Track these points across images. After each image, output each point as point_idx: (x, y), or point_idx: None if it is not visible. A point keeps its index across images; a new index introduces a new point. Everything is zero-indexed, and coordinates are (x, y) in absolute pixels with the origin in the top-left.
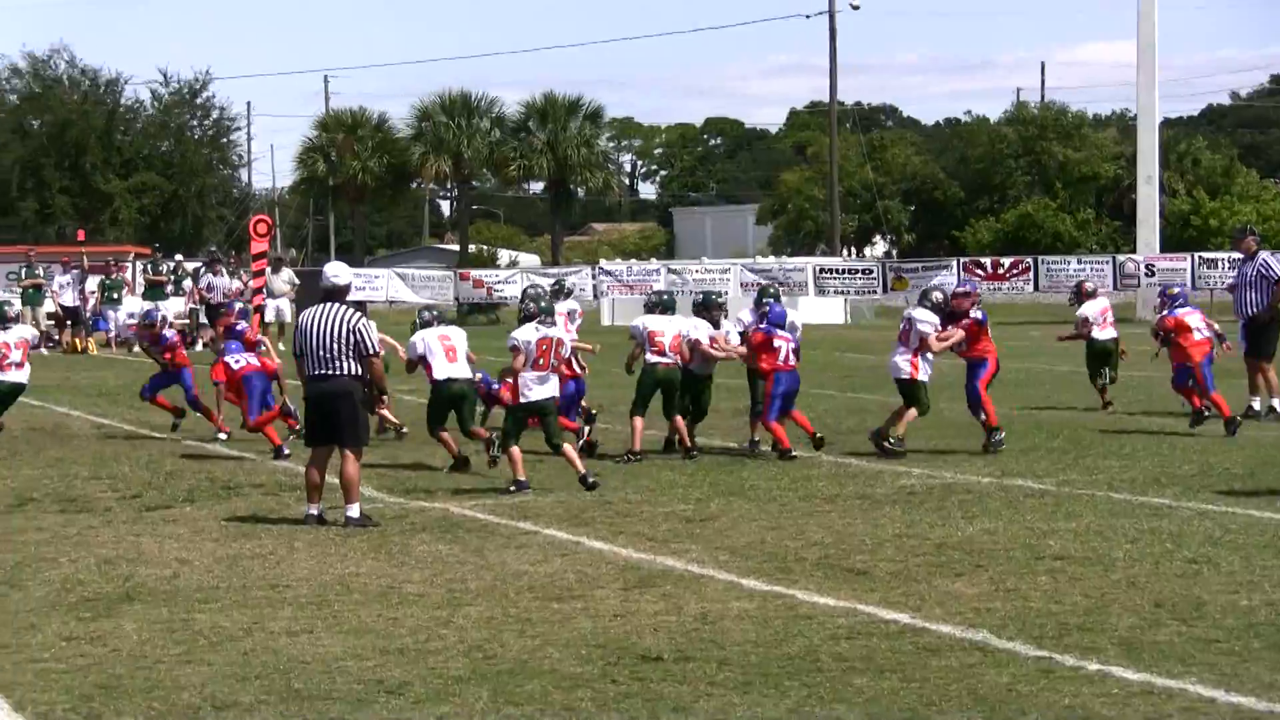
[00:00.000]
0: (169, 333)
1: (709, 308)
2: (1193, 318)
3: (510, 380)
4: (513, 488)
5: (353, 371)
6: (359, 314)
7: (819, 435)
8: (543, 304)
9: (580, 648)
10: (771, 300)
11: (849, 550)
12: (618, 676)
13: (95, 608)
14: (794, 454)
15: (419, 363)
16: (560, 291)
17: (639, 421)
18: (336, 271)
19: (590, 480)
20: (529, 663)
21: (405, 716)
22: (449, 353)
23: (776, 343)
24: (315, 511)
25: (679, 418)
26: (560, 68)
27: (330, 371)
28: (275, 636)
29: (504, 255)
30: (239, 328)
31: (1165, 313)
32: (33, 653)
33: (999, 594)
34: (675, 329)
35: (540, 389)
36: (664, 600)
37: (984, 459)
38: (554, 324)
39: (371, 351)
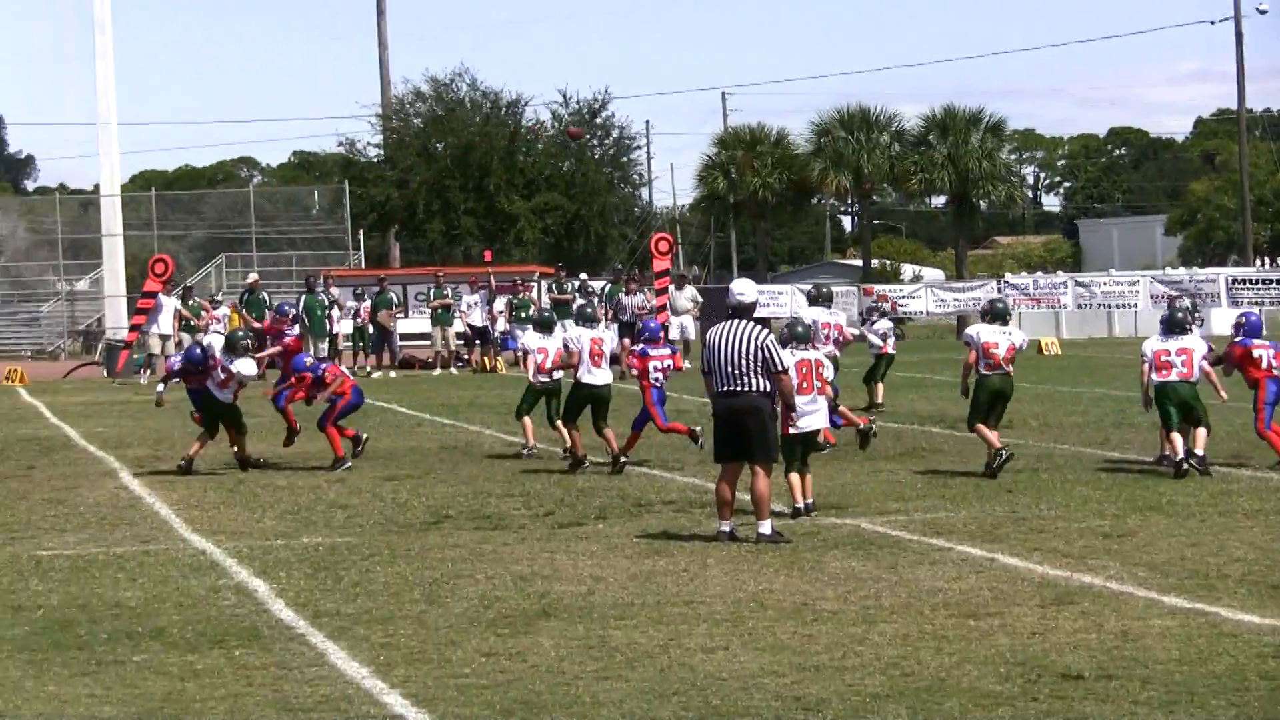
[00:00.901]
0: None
1: (1182, 326)
2: (1262, 350)
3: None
4: (789, 511)
5: (761, 388)
6: (767, 331)
7: None
8: (798, 329)
9: (999, 665)
10: (1250, 312)
11: (1273, 566)
12: (1038, 694)
13: (513, 624)
14: None
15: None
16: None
17: (982, 429)
18: (742, 289)
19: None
20: (947, 680)
21: None
22: (595, 357)
23: (1256, 352)
24: (727, 528)
25: (988, 429)
26: (960, 80)
27: (739, 388)
28: (691, 653)
29: (907, 270)
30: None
31: (1237, 340)
32: (453, 668)
33: None
34: (1009, 340)
35: (810, 418)
36: (1083, 617)
37: None
38: (808, 346)
39: (781, 368)
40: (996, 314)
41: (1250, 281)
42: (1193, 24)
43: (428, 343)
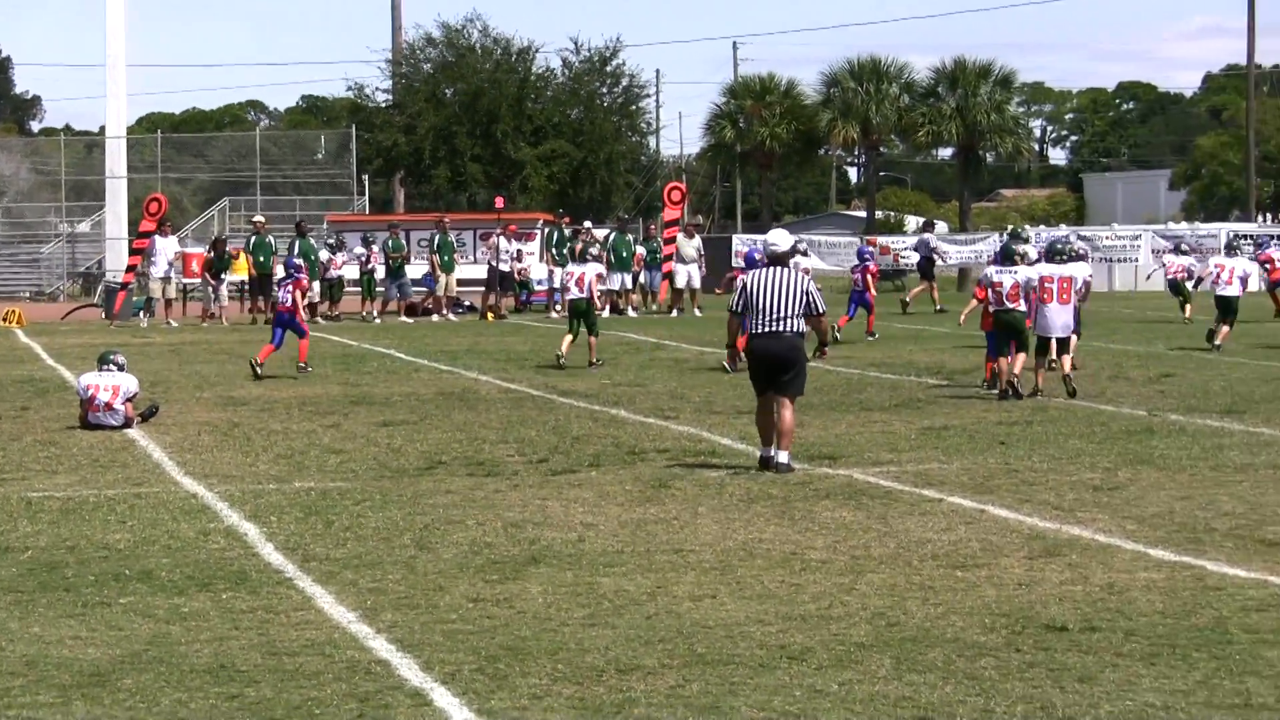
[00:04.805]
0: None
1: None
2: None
3: None
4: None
5: (799, 329)
6: (809, 277)
7: None
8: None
9: (984, 616)
10: None
11: (1261, 521)
12: (1022, 645)
13: (502, 570)
14: None
15: None
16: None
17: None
18: (776, 240)
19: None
20: (932, 630)
21: (807, 682)
22: (578, 284)
23: None
24: (771, 453)
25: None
26: (972, 32)
27: (781, 329)
28: (679, 601)
29: (911, 221)
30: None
31: None
32: (441, 614)
33: None
34: (1013, 279)
35: None
36: (1070, 570)
37: None
38: None
39: (820, 311)
40: (1005, 255)
41: (1251, 237)
42: None
43: (422, 287)
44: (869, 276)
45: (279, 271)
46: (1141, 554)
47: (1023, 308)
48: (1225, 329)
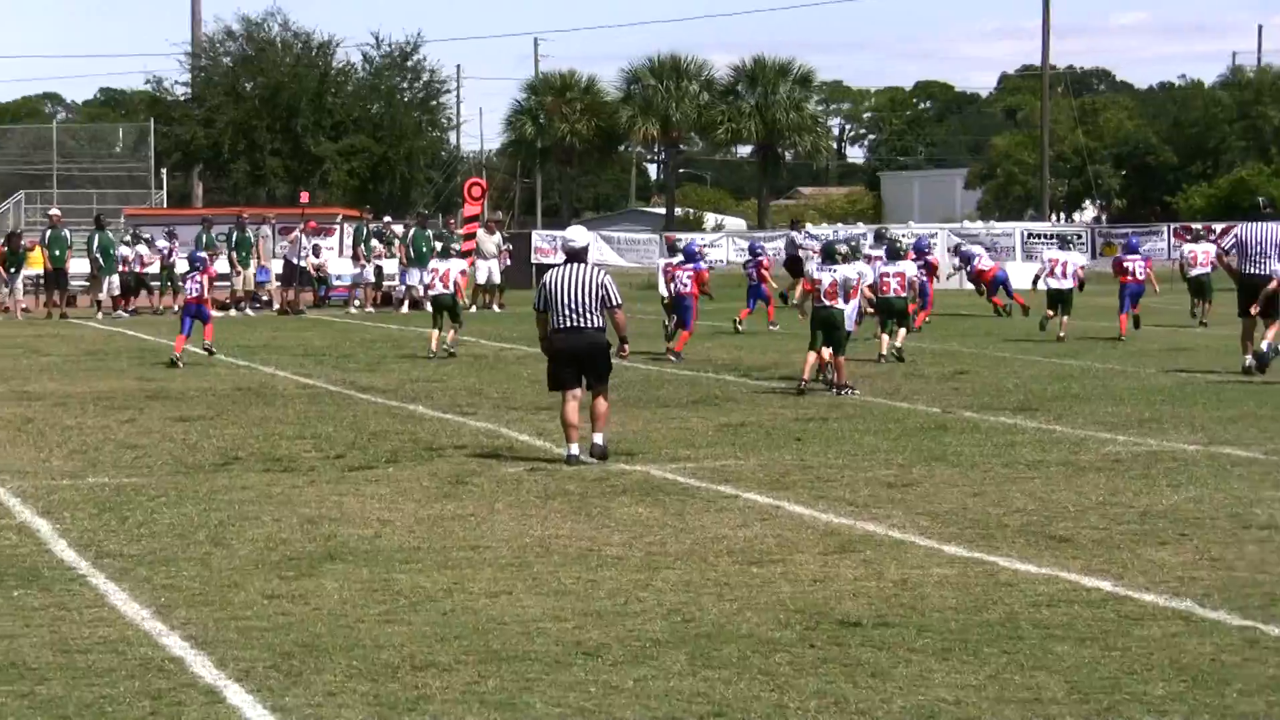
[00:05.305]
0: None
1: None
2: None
3: None
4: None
5: (599, 324)
6: (604, 271)
7: None
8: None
9: (779, 612)
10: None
11: (1052, 517)
12: (816, 641)
13: (298, 566)
14: None
15: None
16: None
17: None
18: (573, 236)
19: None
20: (727, 626)
21: (603, 678)
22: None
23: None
24: (575, 451)
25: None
26: (770, 31)
27: (582, 325)
28: (475, 597)
29: (710, 218)
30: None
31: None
32: (235, 610)
33: (1204, 563)
34: (833, 277)
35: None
36: (864, 566)
37: (1190, 427)
38: None
39: (616, 304)
40: (828, 254)
41: (1045, 236)
42: None
43: (226, 283)
44: (762, 270)
45: (181, 265)
46: (934, 550)
47: (841, 305)
48: (1065, 319)
